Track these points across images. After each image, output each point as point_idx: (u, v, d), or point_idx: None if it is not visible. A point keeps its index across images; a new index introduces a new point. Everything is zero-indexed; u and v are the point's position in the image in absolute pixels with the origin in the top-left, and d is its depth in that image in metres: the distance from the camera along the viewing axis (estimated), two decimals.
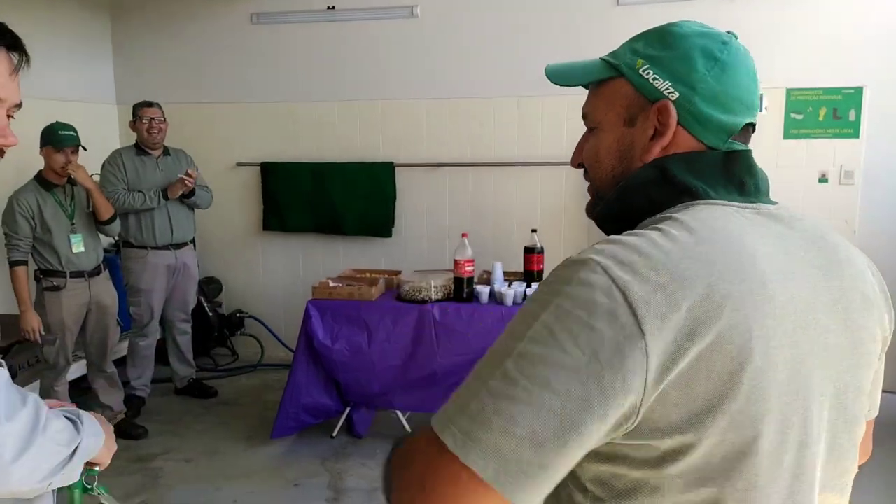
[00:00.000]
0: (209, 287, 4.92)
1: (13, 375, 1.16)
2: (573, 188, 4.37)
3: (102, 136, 4.72)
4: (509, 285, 3.39)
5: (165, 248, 4.02)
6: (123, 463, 3.41)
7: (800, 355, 0.71)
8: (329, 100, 4.79)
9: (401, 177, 4.69)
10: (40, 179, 3.46)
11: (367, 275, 3.87)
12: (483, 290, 3.30)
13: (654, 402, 0.65)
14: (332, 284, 3.65)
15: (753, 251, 0.71)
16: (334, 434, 3.66)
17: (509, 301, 3.27)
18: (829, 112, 4.04)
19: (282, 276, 5.00)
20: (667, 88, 0.79)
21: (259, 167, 4.91)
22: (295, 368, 3.52)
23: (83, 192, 3.54)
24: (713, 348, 0.65)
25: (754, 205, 0.79)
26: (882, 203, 4.02)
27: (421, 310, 3.32)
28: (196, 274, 4.31)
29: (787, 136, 4.10)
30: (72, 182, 3.49)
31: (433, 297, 3.36)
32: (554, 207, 4.47)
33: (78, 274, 3.52)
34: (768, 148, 4.08)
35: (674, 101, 0.79)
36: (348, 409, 3.61)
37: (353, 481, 3.29)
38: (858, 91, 3.98)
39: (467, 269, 3.31)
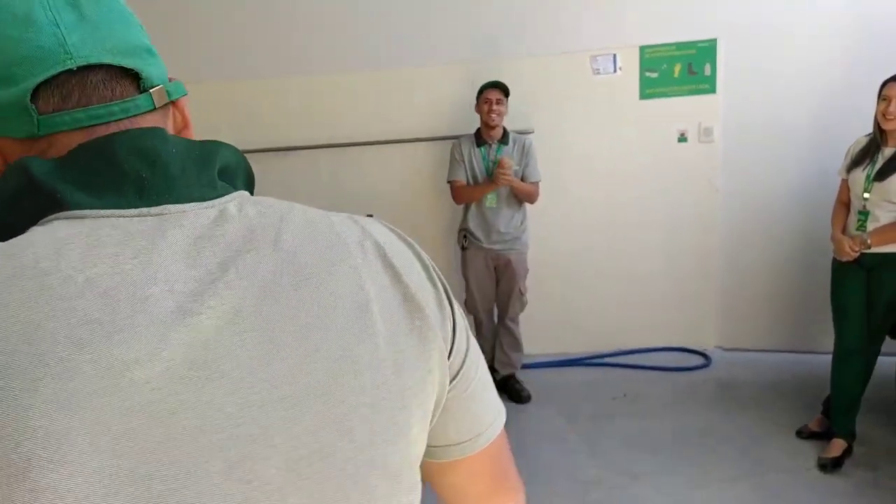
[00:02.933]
0: None
1: None
2: (414, 167, 4.07)
3: None
4: None
5: None
6: None
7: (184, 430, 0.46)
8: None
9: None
10: None
11: None
12: None
13: None
14: None
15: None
16: None
17: None
18: (683, 68, 3.86)
19: None
20: None
21: None
22: None
23: None
24: None
25: (158, 207, 0.50)
26: (743, 160, 3.88)
27: None
28: None
29: (643, 96, 3.90)
30: None
31: None
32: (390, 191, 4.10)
33: None
34: (626, 109, 3.90)
35: None
36: None
37: None
38: (712, 43, 3.81)
39: None
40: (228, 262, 0.50)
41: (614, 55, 3.89)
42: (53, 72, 0.51)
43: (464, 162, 3.53)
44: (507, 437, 0.69)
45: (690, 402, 3.45)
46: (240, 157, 0.60)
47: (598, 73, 3.91)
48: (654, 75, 3.88)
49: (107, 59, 0.53)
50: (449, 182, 3.60)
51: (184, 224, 0.50)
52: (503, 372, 3.69)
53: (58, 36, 0.51)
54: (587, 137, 3.97)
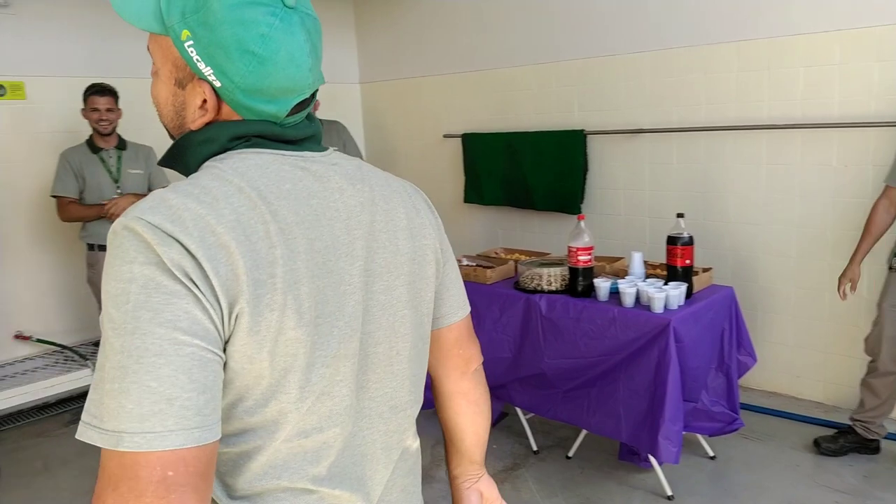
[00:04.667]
0: None
1: None
2: (822, 156, 3.40)
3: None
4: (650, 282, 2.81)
5: None
6: None
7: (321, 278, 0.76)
8: (524, 63, 4.50)
9: (593, 146, 4.21)
10: None
11: (517, 255, 3.57)
12: (602, 285, 2.82)
13: None
14: (464, 263, 3.49)
15: (277, 189, 0.75)
16: None
17: (656, 306, 2.61)
18: None
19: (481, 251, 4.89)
20: (210, 74, 0.77)
21: (461, 138, 4.87)
22: None
23: None
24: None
25: (300, 153, 0.81)
26: None
27: (528, 300, 2.97)
28: None
29: None
30: None
31: (547, 287, 2.99)
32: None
33: None
34: None
35: (217, 89, 0.78)
36: None
37: (443, 472, 3.10)
38: None
39: (582, 258, 2.85)
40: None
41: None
42: (299, 99, 0.82)
43: None
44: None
45: None
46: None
47: None
48: None
49: (317, 87, 0.84)
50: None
51: (319, 161, 0.83)
52: None
53: (307, 78, 0.80)
54: None
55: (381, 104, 5.62)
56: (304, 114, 0.84)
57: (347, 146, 4.35)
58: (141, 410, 0.62)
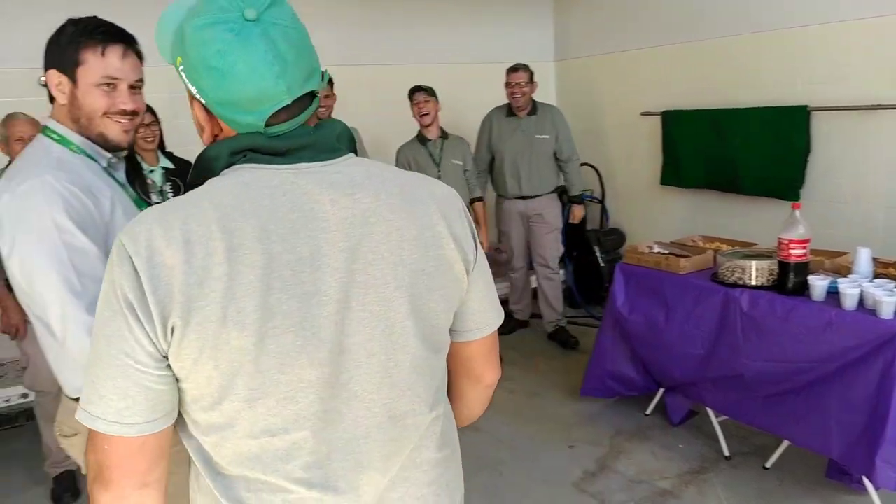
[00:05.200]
0: (607, 238, 5.01)
1: None
2: None
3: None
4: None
5: (518, 198, 4.36)
6: None
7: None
8: (737, 33, 4.09)
9: (818, 124, 3.72)
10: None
11: (717, 245, 3.32)
12: (818, 284, 2.50)
13: None
14: (654, 250, 3.32)
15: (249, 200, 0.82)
16: (648, 412, 3.39)
17: (885, 311, 2.28)
18: None
19: (677, 238, 4.53)
20: (196, 92, 0.86)
21: (660, 116, 4.61)
22: (601, 331, 3.39)
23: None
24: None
25: (294, 165, 0.85)
26: None
27: (727, 294, 2.73)
28: (555, 223, 4.43)
29: None
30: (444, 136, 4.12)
31: (750, 281, 2.72)
32: None
33: None
34: None
35: (204, 105, 0.87)
36: (662, 390, 3.27)
37: (624, 465, 3.00)
38: None
39: (795, 251, 2.54)
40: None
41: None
42: (275, 108, 0.84)
43: None
44: None
45: None
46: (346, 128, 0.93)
47: None
48: None
49: (300, 93, 0.85)
50: None
51: (313, 172, 0.86)
52: None
53: (278, 85, 0.82)
54: None
55: (575, 82, 5.47)
56: (296, 122, 0.86)
57: (558, 126, 4.33)
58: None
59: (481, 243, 4.64)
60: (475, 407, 1.10)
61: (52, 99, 1.41)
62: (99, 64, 1.34)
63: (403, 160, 4.05)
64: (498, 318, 1.02)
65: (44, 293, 1.25)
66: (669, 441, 3.16)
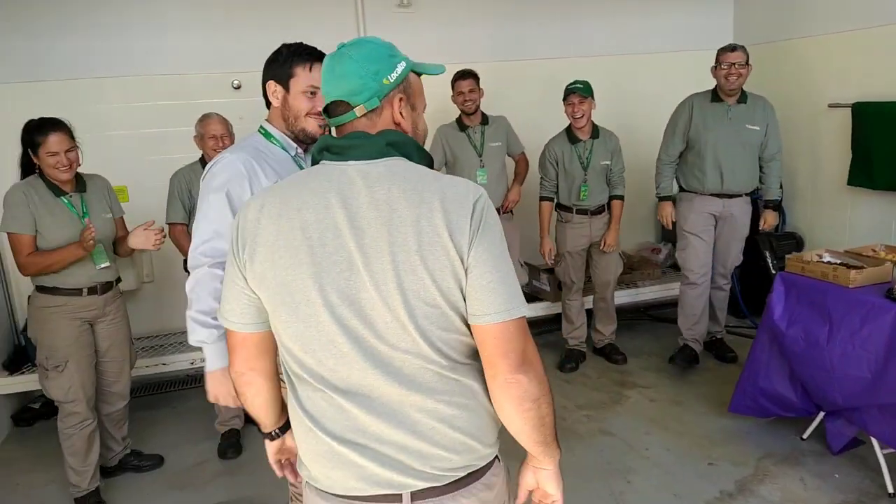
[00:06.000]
0: (781, 244, 4.49)
1: None
2: None
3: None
4: None
5: (714, 195, 3.83)
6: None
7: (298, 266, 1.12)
8: None
9: None
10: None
11: None
12: None
13: None
14: (824, 259, 3.00)
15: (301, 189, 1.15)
16: (805, 436, 3.09)
17: None
18: None
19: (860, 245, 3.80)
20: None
21: (850, 108, 4.09)
22: (755, 344, 3.12)
23: None
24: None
25: (343, 162, 1.14)
26: None
27: None
28: (744, 230, 3.94)
29: None
30: None
31: None
32: None
33: (582, 211, 3.99)
34: None
35: None
36: (822, 414, 2.96)
37: (768, 489, 2.76)
38: None
39: None
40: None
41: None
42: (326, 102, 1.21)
43: None
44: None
45: None
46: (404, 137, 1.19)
47: None
48: None
49: (336, 98, 1.19)
50: None
51: (355, 167, 1.14)
52: None
53: (325, 89, 1.20)
54: None
55: (754, 72, 5.01)
56: (346, 128, 1.18)
57: (769, 119, 3.85)
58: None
59: (609, 245, 4.03)
60: (498, 402, 1.13)
61: (268, 105, 1.86)
62: (306, 76, 1.77)
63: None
64: (507, 310, 1.08)
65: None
66: (824, 470, 2.86)
